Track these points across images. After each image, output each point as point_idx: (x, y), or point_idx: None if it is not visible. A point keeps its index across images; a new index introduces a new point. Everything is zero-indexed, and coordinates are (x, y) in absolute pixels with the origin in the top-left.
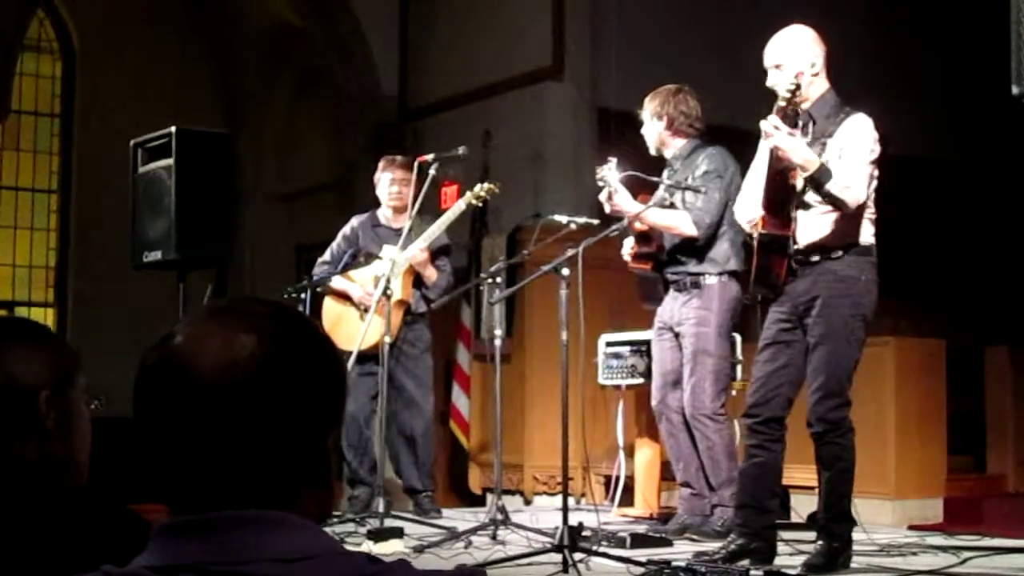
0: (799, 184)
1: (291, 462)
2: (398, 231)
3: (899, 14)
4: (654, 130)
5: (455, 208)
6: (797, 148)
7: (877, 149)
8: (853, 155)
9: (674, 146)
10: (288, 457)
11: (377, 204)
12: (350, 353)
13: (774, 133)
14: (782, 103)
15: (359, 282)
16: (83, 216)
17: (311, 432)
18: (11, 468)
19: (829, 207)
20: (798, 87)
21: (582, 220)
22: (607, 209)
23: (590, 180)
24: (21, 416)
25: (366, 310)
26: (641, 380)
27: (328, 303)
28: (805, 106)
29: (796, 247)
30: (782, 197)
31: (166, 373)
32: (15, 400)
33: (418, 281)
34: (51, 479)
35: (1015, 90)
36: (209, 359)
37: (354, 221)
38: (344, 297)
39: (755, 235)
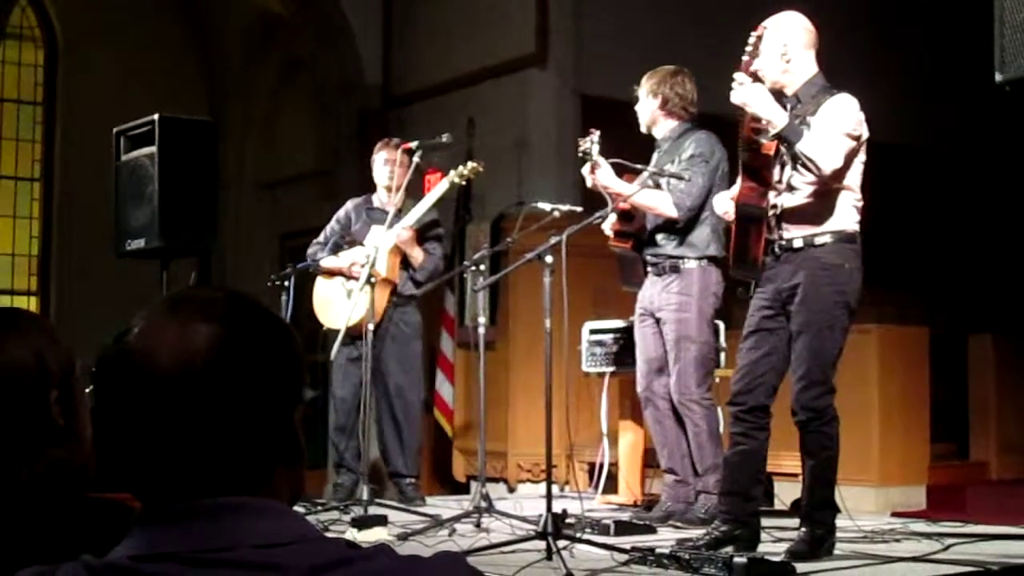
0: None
1: (260, 444)
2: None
3: (886, 2)
4: (648, 108)
5: (439, 187)
6: (764, 102)
7: (861, 128)
8: (830, 125)
9: (665, 127)
10: (257, 440)
11: (366, 189)
12: (338, 332)
13: (738, 89)
14: (745, 57)
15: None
16: (66, 204)
17: (276, 412)
18: (16, 486)
19: (811, 192)
20: (758, 39)
21: (566, 208)
22: (588, 183)
23: (574, 168)
24: (29, 424)
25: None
26: (624, 368)
27: (319, 283)
28: (790, 90)
29: (780, 232)
30: (757, 169)
31: (124, 370)
32: (22, 404)
33: (407, 262)
34: (58, 482)
35: (999, 77)
36: (166, 352)
37: (348, 204)
38: (334, 275)
39: (731, 209)
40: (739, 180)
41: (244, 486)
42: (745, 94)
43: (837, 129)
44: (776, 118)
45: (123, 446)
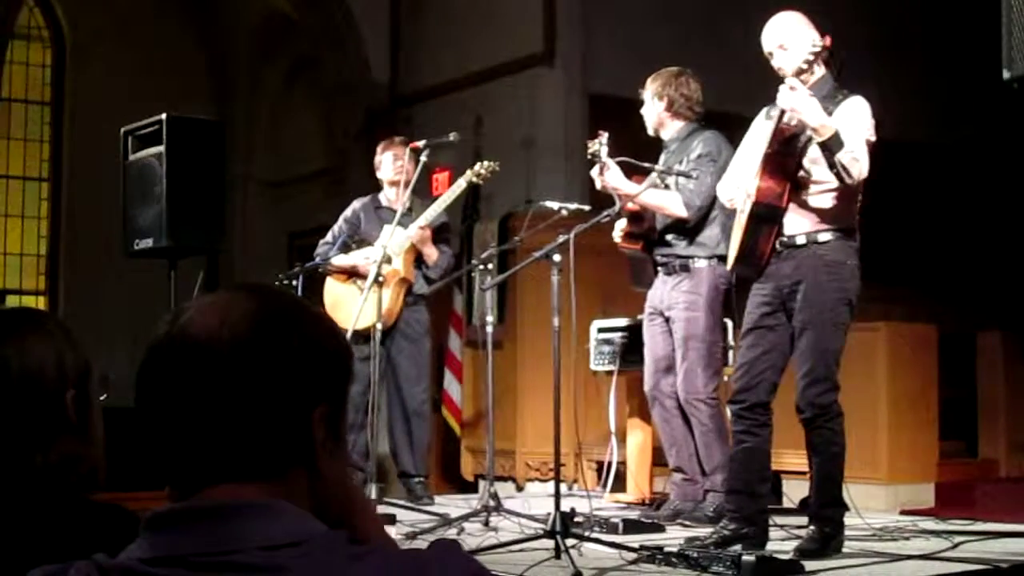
0: (809, 153)
1: (276, 430)
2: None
3: None
4: (653, 111)
5: (456, 187)
6: (814, 110)
7: (874, 132)
8: (855, 132)
9: (672, 128)
10: (273, 424)
11: (374, 187)
12: (346, 331)
13: (791, 93)
14: (803, 65)
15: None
16: (74, 204)
17: (296, 402)
18: (30, 474)
19: (819, 189)
20: (823, 48)
21: (573, 206)
22: (598, 185)
23: (582, 166)
24: (46, 419)
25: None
26: (632, 366)
27: (329, 283)
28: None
29: (782, 228)
30: (782, 168)
31: (167, 343)
32: (40, 401)
33: (420, 261)
34: (69, 479)
35: (1006, 75)
36: (210, 321)
37: (356, 204)
38: (346, 275)
39: (745, 209)
40: (758, 177)
41: (258, 472)
42: (796, 100)
43: (862, 136)
44: (825, 127)
45: (150, 416)
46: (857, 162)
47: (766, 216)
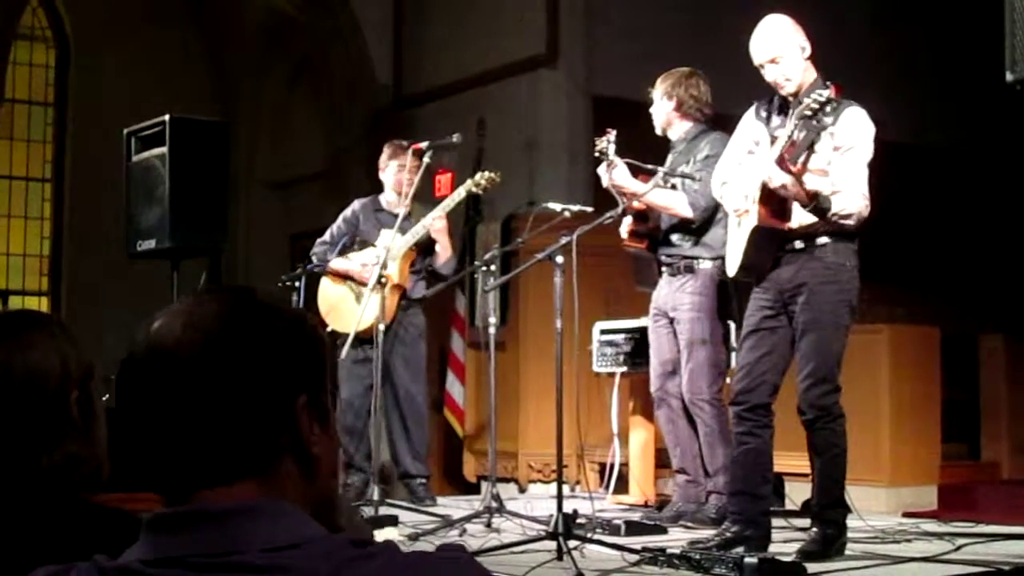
0: (810, 163)
1: (259, 426)
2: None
3: (889, 1)
4: (662, 110)
5: (455, 196)
6: (800, 193)
7: (873, 144)
8: (858, 165)
9: (680, 128)
10: (255, 420)
11: (376, 189)
12: (347, 336)
13: (777, 184)
14: (801, 121)
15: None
16: (77, 205)
17: (274, 395)
18: (35, 475)
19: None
20: (828, 101)
21: (576, 208)
22: (605, 182)
23: (584, 167)
24: (50, 420)
25: (366, 285)
26: (635, 368)
27: (325, 284)
28: (788, 90)
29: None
30: (780, 203)
31: (139, 354)
32: (44, 403)
33: (416, 267)
34: (73, 480)
35: (1009, 77)
36: (175, 326)
37: (356, 204)
38: (342, 278)
39: (749, 225)
40: (758, 202)
41: (246, 469)
42: (787, 189)
43: (864, 164)
44: (811, 198)
45: (136, 426)
46: (849, 216)
47: (769, 237)
